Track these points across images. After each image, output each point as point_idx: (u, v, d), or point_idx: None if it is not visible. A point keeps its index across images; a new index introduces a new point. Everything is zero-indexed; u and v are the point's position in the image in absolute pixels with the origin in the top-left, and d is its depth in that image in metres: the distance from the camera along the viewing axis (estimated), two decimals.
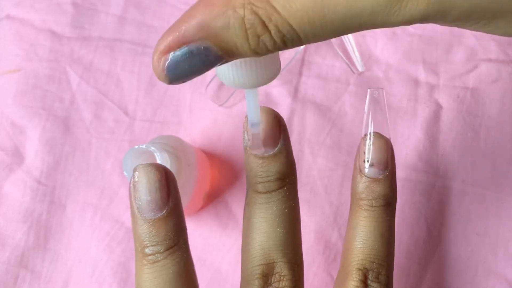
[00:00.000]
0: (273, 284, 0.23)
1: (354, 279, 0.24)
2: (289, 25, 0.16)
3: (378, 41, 0.36)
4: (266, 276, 0.23)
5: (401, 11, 0.16)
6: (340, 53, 0.35)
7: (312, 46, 0.37)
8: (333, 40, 0.34)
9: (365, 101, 0.35)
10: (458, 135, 0.35)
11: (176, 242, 0.22)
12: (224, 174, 0.35)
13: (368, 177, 0.25)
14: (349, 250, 0.25)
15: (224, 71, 0.20)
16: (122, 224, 0.35)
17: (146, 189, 0.21)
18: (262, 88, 0.37)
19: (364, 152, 0.25)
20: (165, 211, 0.21)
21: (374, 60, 0.36)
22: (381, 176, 0.25)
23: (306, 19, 0.16)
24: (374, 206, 0.25)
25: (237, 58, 0.17)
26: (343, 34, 0.17)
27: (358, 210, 0.25)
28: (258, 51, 0.17)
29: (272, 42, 0.17)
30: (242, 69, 0.20)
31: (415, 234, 0.33)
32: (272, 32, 0.16)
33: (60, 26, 0.38)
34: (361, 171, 0.25)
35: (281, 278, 0.23)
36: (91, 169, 0.36)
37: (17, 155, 0.36)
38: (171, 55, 0.18)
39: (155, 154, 0.22)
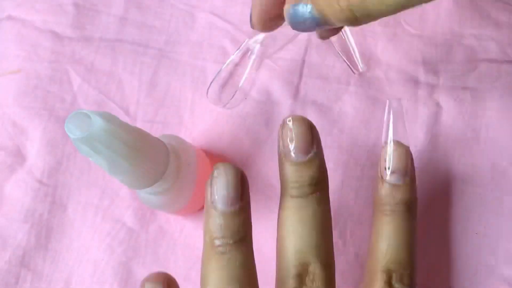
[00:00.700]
0: (307, 284, 0.24)
1: (379, 280, 0.25)
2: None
3: (378, 41, 0.36)
4: (301, 276, 0.24)
5: None
6: (340, 53, 0.35)
7: (313, 47, 0.37)
8: (334, 40, 0.35)
9: (365, 101, 0.36)
10: (458, 135, 0.35)
11: (244, 237, 0.23)
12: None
13: (389, 184, 0.26)
14: (374, 254, 0.26)
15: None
16: (123, 224, 0.35)
17: (224, 184, 0.23)
18: (263, 89, 0.37)
19: (385, 160, 0.27)
20: (238, 206, 0.23)
21: (374, 61, 0.36)
22: (401, 182, 0.26)
23: None
24: (396, 211, 0.26)
25: (330, 20, 0.22)
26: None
27: (381, 216, 0.27)
28: (335, 13, 0.21)
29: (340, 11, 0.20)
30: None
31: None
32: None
33: (61, 27, 0.38)
34: (382, 178, 0.27)
35: (315, 278, 0.24)
36: (92, 170, 0.36)
37: (19, 156, 0.36)
38: (291, 6, 0.22)
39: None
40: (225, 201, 0.23)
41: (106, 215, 0.35)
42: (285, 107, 0.36)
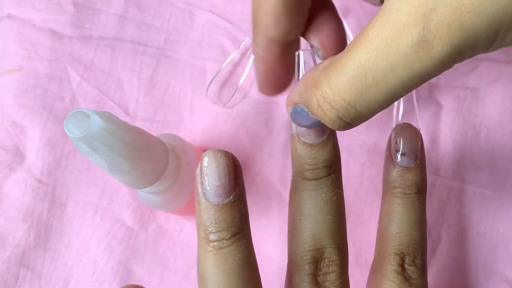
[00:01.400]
0: (323, 269, 0.23)
1: (392, 263, 0.25)
2: (344, 100, 0.19)
3: None
4: (316, 261, 0.23)
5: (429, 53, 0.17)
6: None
7: None
8: None
9: None
10: (458, 135, 0.35)
11: (241, 229, 0.22)
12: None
13: (400, 166, 0.26)
14: (385, 236, 0.26)
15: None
16: (122, 223, 0.35)
17: (215, 173, 0.21)
18: None
19: (396, 142, 0.26)
20: (232, 196, 0.21)
21: None
22: (412, 165, 0.26)
23: (356, 91, 0.18)
24: (407, 194, 0.26)
25: (327, 124, 0.21)
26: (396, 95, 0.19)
27: (391, 198, 0.26)
28: (329, 121, 0.20)
29: (331, 122, 0.20)
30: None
31: None
32: (325, 110, 0.20)
33: (60, 26, 0.38)
34: (393, 160, 0.26)
35: (330, 263, 0.23)
36: (92, 169, 0.36)
37: (18, 154, 0.36)
38: (291, 108, 0.22)
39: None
40: (218, 192, 0.21)
41: (105, 214, 0.35)
42: (284, 106, 0.36)
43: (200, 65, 0.37)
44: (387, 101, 0.19)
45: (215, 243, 0.21)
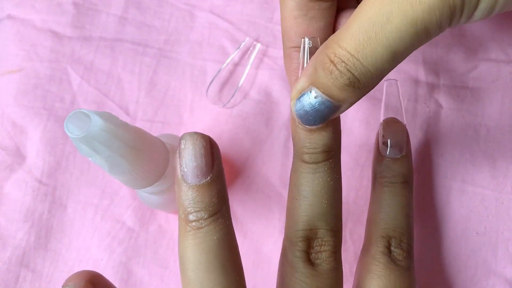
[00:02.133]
0: (315, 248, 0.24)
1: (379, 245, 0.27)
2: (348, 52, 0.20)
3: None
4: (310, 240, 0.24)
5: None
6: None
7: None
8: None
9: (365, 101, 0.36)
10: (458, 135, 0.35)
11: (220, 209, 0.22)
12: (224, 173, 0.36)
13: (387, 158, 0.28)
14: (373, 222, 0.28)
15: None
16: (123, 224, 0.35)
17: (192, 155, 0.22)
18: (262, 88, 0.37)
19: (383, 136, 0.29)
20: (209, 177, 0.22)
21: None
22: (398, 156, 0.28)
23: (358, 41, 0.20)
24: (394, 183, 0.28)
25: (338, 97, 0.22)
26: (400, 56, 0.21)
27: (379, 187, 0.28)
28: (337, 86, 0.21)
29: (339, 74, 0.21)
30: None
31: (415, 234, 0.33)
32: (336, 63, 0.21)
33: (61, 26, 0.38)
34: (381, 153, 0.29)
35: (323, 243, 0.24)
36: (92, 169, 0.36)
37: (18, 155, 0.36)
38: (296, 100, 0.23)
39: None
40: (195, 173, 0.22)
41: (106, 214, 0.35)
42: (285, 106, 0.36)
43: (200, 65, 0.37)
44: (390, 56, 0.20)
45: (194, 223, 0.22)
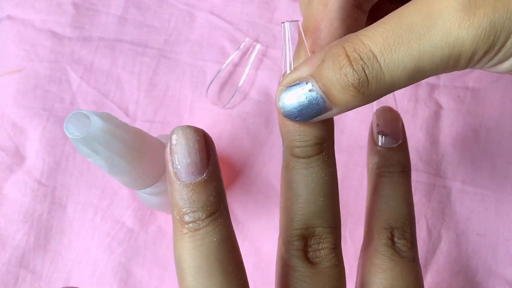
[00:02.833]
0: (313, 246, 0.23)
1: (382, 237, 0.25)
2: (371, 51, 0.19)
3: None
4: (306, 238, 0.23)
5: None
6: None
7: None
8: None
9: None
10: (458, 135, 0.35)
11: (218, 208, 0.20)
12: (224, 173, 0.35)
13: (383, 147, 0.27)
14: (373, 213, 0.26)
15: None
16: (122, 224, 0.35)
17: (185, 151, 0.20)
18: (262, 89, 0.37)
19: (378, 125, 0.27)
20: (205, 174, 0.20)
21: None
22: (395, 145, 0.27)
23: (388, 43, 0.18)
24: (392, 172, 0.27)
25: (334, 98, 0.20)
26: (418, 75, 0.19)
27: (377, 178, 0.27)
28: (342, 85, 0.19)
29: (352, 72, 0.19)
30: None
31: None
32: (353, 59, 0.19)
33: (60, 27, 0.38)
34: (375, 143, 0.27)
35: (321, 240, 0.23)
36: (92, 170, 0.36)
37: (18, 156, 0.36)
38: (286, 88, 0.21)
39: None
40: (189, 171, 0.20)
41: (105, 215, 0.35)
42: None
43: (200, 66, 0.37)
44: (412, 71, 0.19)
45: (191, 225, 0.20)
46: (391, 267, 0.25)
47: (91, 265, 0.34)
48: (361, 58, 0.19)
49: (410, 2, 0.19)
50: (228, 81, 0.37)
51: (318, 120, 0.22)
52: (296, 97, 0.21)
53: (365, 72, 0.19)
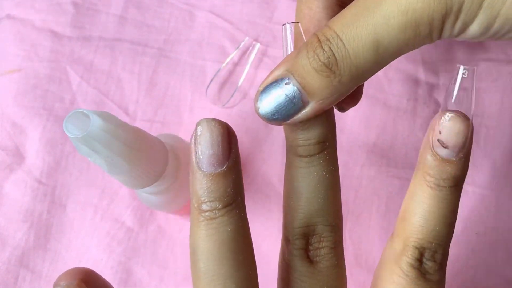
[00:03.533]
0: (314, 244, 0.23)
1: (410, 256, 0.24)
2: (334, 32, 0.20)
3: None
4: (307, 236, 0.23)
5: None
6: None
7: None
8: None
9: (365, 101, 0.36)
10: None
11: (234, 200, 0.21)
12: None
13: (440, 156, 0.23)
14: (408, 222, 0.24)
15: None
16: (122, 224, 0.35)
17: (208, 142, 0.21)
18: None
19: (440, 132, 0.23)
20: (225, 166, 0.21)
21: None
22: (454, 158, 0.23)
23: (345, 22, 0.20)
24: (442, 186, 0.23)
25: (309, 87, 0.21)
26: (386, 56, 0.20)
27: (424, 185, 0.24)
28: (315, 67, 0.20)
29: (322, 52, 0.20)
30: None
31: None
32: (322, 41, 0.20)
33: (60, 26, 0.38)
34: (433, 147, 0.24)
35: (322, 239, 0.23)
36: (92, 169, 0.36)
37: (18, 155, 0.36)
38: (265, 87, 0.22)
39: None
40: (210, 162, 0.21)
41: (105, 214, 0.35)
42: None
43: (200, 65, 0.37)
44: (372, 44, 0.19)
45: (207, 213, 0.21)
46: None
47: (91, 265, 0.34)
48: (327, 39, 0.20)
49: None
50: (228, 80, 0.37)
51: (297, 121, 0.22)
52: (274, 95, 0.21)
53: (332, 51, 0.20)
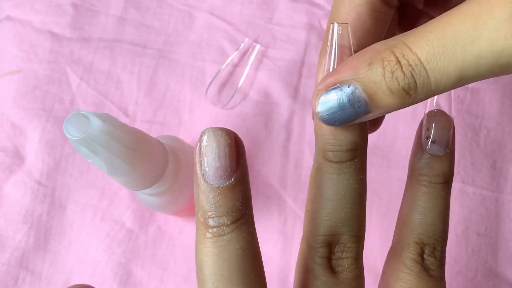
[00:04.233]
0: (337, 254, 0.23)
1: (412, 251, 0.24)
2: (418, 59, 0.19)
3: None
4: (331, 245, 0.23)
5: None
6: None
7: (312, 47, 0.37)
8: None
9: None
10: (458, 135, 0.35)
11: (243, 214, 0.20)
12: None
13: (429, 154, 0.25)
14: (406, 223, 0.25)
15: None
16: (122, 225, 0.35)
17: (215, 154, 0.20)
18: (262, 89, 0.37)
19: (428, 129, 0.26)
20: (233, 179, 0.20)
21: None
22: (442, 154, 0.25)
23: (432, 52, 0.19)
24: (434, 183, 0.25)
25: (378, 101, 0.20)
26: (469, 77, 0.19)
27: (417, 185, 0.26)
28: (392, 89, 0.20)
29: (402, 77, 0.19)
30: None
31: None
32: (403, 65, 0.19)
33: (60, 27, 0.38)
34: (422, 147, 0.26)
35: (346, 249, 0.23)
36: (91, 170, 0.36)
37: (18, 156, 0.36)
38: (325, 91, 0.21)
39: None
40: (218, 175, 0.19)
41: (105, 216, 0.35)
42: (284, 107, 0.36)
43: (200, 66, 0.37)
44: (456, 79, 0.19)
45: (215, 230, 0.20)
46: (418, 284, 0.24)
47: (91, 266, 0.34)
48: (410, 65, 0.19)
49: (454, 9, 0.19)
50: (227, 81, 0.37)
51: (354, 123, 0.22)
52: (335, 100, 0.21)
53: (414, 78, 0.19)
